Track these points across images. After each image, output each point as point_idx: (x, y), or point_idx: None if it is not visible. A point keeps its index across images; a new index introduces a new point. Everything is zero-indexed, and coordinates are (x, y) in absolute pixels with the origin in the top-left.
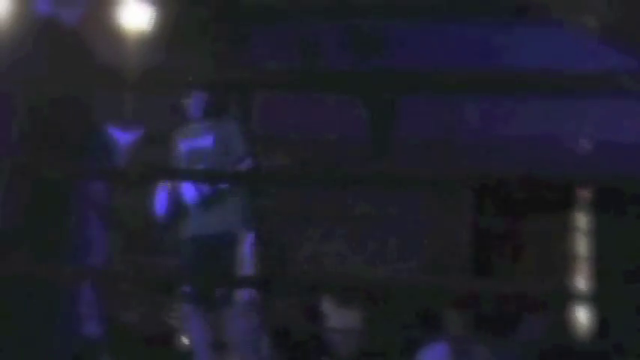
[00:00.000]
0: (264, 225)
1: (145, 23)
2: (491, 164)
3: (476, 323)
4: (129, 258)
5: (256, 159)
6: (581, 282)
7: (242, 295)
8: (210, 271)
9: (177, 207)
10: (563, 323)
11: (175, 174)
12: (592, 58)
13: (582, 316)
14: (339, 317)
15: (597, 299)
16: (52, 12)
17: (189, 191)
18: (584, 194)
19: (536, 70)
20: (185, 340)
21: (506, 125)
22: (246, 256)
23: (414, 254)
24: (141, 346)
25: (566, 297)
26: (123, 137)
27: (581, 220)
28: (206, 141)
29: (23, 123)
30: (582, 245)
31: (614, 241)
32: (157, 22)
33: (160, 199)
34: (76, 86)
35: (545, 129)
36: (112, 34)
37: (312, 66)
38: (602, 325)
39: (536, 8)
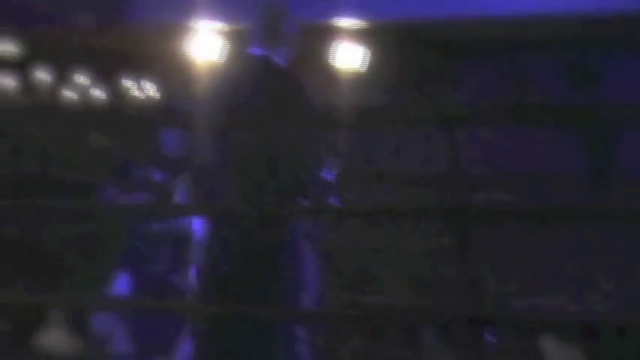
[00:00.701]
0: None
1: (357, 63)
2: None
3: None
4: (343, 296)
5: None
6: None
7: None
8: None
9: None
10: None
11: (391, 210)
12: None
13: None
14: (561, 357)
15: None
16: (266, 53)
17: None
18: None
19: None
20: None
21: None
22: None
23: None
24: None
25: None
26: (329, 175)
27: None
28: None
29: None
30: None
31: None
32: (370, 62)
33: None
34: (291, 125)
35: None
36: (325, 74)
37: (525, 99)
38: None
39: None
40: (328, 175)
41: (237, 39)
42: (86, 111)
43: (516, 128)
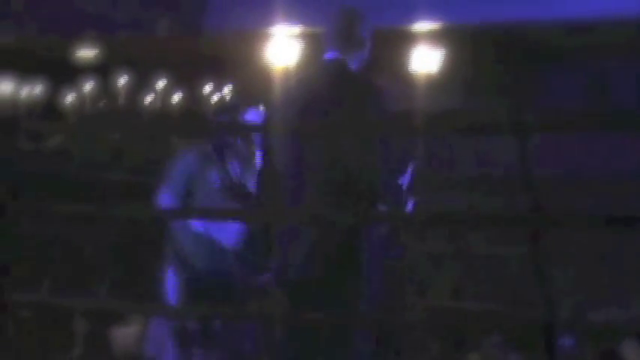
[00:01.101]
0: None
1: (433, 67)
2: None
3: None
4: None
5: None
6: None
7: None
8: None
9: None
10: None
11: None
12: None
13: None
14: None
15: None
16: (341, 58)
17: None
18: None
19: None
20: None
21: None
22: None
23: None
24: None
25: None
26: (404, 180)
27: None
28: None
29: (319, 169)
30: None
31: None
32: (446, 66)
33: None
34: (366, 130)
35: None
36: (400, 78)
37: (605, 105)
38: None
39: None
40: (404, 180)
41: (314, 43)
42: (165, 116)
43: (595, 134)
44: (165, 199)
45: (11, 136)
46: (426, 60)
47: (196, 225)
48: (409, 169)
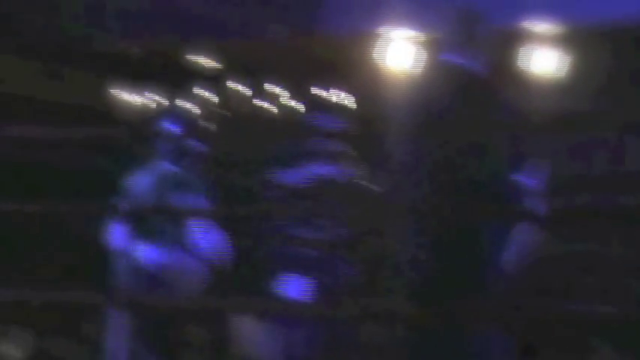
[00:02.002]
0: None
1: (553, 68)
2: None
3: None
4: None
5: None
6: None
7: None
8: None
9: None
10: None
11: (595, 214)
12: None
13: None
14: None
15: None
16: (460, 60)
17: None
18: None
19: None
20: None
21: None
22: None
23: None
24: None
25: None
26: (528, 182)
27: None
28: None
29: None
30: None
31: None
32: (566, 67)
33: None
34: (487, 132)
35: None
36: (520, 80)
37: None
38: None
39: None
40: (528, 180)
41: (431, 46)
42: (280, 120)
43: None
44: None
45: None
46: (546, 60)
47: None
48: (542, 169)
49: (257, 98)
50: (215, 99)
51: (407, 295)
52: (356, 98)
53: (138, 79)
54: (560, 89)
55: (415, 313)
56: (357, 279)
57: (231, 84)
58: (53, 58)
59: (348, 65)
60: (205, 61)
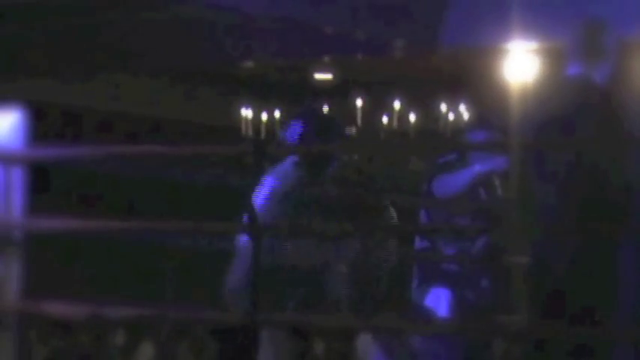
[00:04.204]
0: None
1: None
2: None
3: None
4: None
5: None
6: None
7: None
8: None
9: None
10: None
11: None
12: None
13: None
14: None
15: None
16: (583, 72)
17: None
18: None
19: None
20: None
21: None
22: None
23: None
24: None
25: None
26: None
27: None
28: None
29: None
30: None
31: None
32: None
33: None
34: (613, 147)
35: None
36: None
37: None
38: None
39: None
40: None
41: (553, 58)
42: (403, 136)
43: None
44: None
45: (259, 161)
46: None
47: None
48: None
49: (381, 114)
50: (340, 115)
51: (534, 313)
52: (479, 113)
53: (267, 97)
54: None
55: (543, 332)
56: (493, 294)
57: (354, 100)
58: (187, 78)
59: (471, 80)
60: (332, 78)
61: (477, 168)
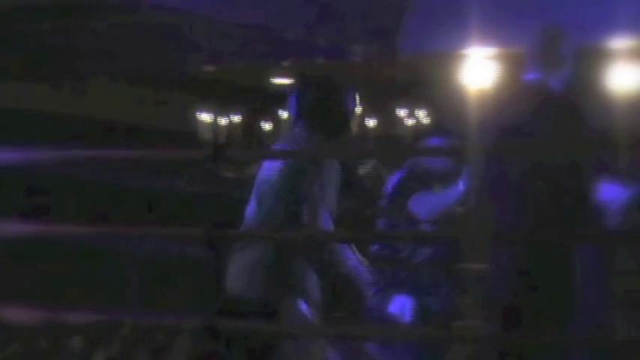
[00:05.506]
0: None
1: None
2: None
3: None
4: None
5: None
6: None
7: None
8: None
9: None
10: None
11: None
12: None
13: None
14: None
15: None
16: (540, 78)
17: None
18: None
19: None
20: None
21: None
22: None
23: None
24: None
25: None
26: (615, 198)
27: None
28: None
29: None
30: None
31: None
32: None
33: None
34: (570, 151)
35: None
36: (602, 98)
37: None
38: None
39: None
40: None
41: (511, 64)
42: (361, 140)
43: None
44: None
45: (215, 164)
46: (628, 77)
47: None
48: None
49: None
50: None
51: (495, 320)
52: (437, 118)
53: (227, 101)
54: None
55: (504, 337)
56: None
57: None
58: (154, 84)
59: (429, 85)
60: (287, 82)
61: (461, 187)
